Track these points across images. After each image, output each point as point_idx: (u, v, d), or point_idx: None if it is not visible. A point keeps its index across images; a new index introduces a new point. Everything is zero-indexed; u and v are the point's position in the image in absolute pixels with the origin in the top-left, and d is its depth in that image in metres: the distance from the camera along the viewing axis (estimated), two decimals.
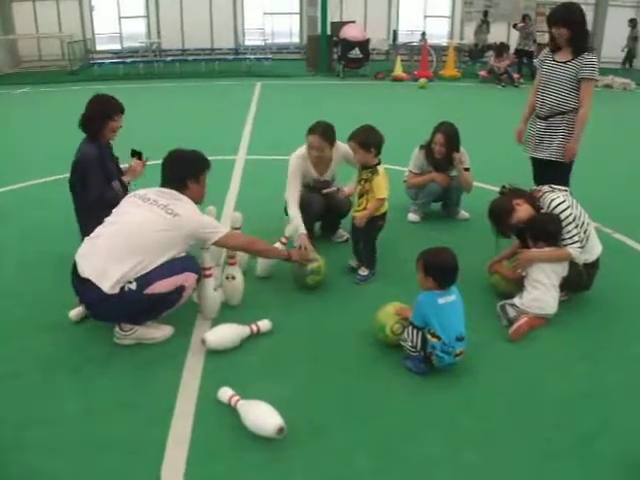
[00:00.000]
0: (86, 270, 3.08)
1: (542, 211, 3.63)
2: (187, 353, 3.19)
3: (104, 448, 2.51)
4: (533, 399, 2.87)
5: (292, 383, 2.96)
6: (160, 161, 3.48)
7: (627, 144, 8.72)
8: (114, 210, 3.36)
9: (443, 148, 4.92)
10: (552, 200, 3.59)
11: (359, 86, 15.11)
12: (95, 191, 3.90)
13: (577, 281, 3.66)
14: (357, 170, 3.97)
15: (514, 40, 16.90)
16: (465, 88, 14.87)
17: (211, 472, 2.40)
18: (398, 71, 15.97)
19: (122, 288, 3.03)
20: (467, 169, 5.03)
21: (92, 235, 3.27)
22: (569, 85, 4.30)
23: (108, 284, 3.00)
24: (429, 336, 2.94)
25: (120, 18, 20.73)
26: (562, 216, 3.53)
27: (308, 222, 4.48)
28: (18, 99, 13.43)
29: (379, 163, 3.84)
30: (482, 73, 15.94)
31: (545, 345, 3.32)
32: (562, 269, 3.56)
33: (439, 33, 21.62)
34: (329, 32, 17.16)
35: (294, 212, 4.19)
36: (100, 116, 3.95)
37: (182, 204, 3.28)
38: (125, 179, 4.11)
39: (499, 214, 3.70)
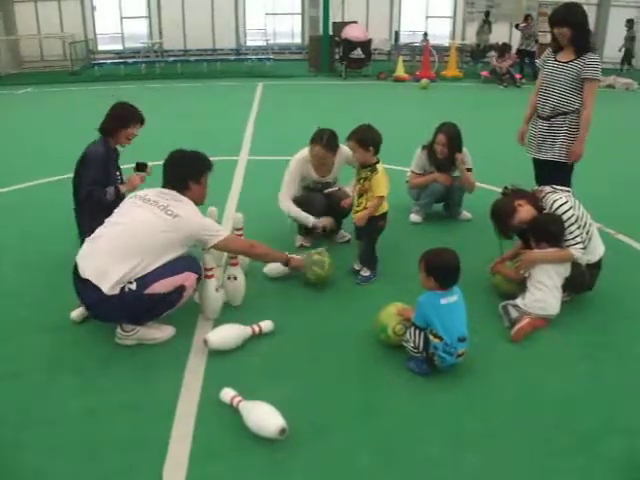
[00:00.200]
0: (86, 271, 3.08)
1: (544, 212, 3.63)
2: (189, 354, 3.18)
3: (106, 448, 2.51)
4: (534, 399, 2.87)
5: (294, 384, 2.96)
6: (161, 162, 3.48)
7: (629, 144, 8.70)
8: (115, 211, 3.37)
9: (445, 148, 4.91)
10: (554, 201, 3.59)
11: (361, 86, 15.10)
12: (85, 188, 4.01)
13: (579, 282, 3.65)
14: (357, 170, 3.97)
15: (516, 40, 16.89)
16: (467, 88, 14.87)
17: (213, 472, 2.40)
18: (400, 71, 15.97)
19: (122, 289, 3.02)
20: (469, 169, 5.02)
21: (93, 236, 3.27)
22: (571, 85, 4.29)
23: (108, 285, 3.00)
24: (431, 336, 2.93)
25: (122, 18, 20.77)
26: (564, 217, 3.53)
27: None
28: (20, 99, 13.44)
29: (378, 162, 3.84)
30: (484, 73, 15.93)
31: (547, 346, 3.32)
32: (564, 270, 3.55)
33: (441, 33, 21.59)
34: (331, 32, 17.14)
35: (289, 205, 4.25)
36: (120, 118, 4.11)
37: (182, 205, 3.28)
38: (122, 188, 4.12)
39: (501, 215, 3.70)
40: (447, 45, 18.78)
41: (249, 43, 21.69)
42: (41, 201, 5.73)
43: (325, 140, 4.22)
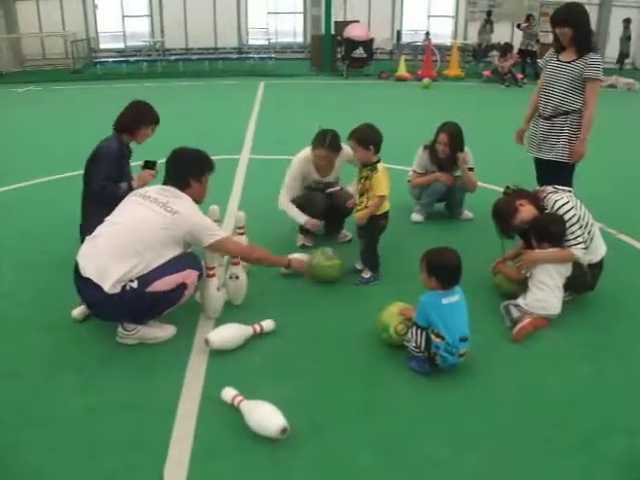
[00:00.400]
0: (87, 270, 3.08)
1: (546, 212, 3.62)
2: (190, 353, 3.18)
3: (106, 448, 2.51)
4: (535, 399, 2.86)
5: (295, 383, 2.96)
6: (164, 160, 3.49)
7: (631, 144, 8.70)
8: (115, 209, 3.36)
9: (447, 148, 4.91)
10: (556, 201, 3.58)
11: (363, 86, 15.10)
12: (98, 183, 4.03)
13: (581, 282, 3.65)
14: (358, 169, 3.97)
15: (518, 40, 16.88)
16: (469, 88, 14.87)
17: (214, 472, 2.40)
18: (402, 71, 15.97)
19: (123, 287, 3.02)
20: (471, 169, 5.02)
21: (93, 234, 3.27)
22: (573, 85, 4.29)
23: (109, 283, 3.00)
24: (433, 336, 2.93)
25: (123, 17, 20.77)
26: (566, 217, 3.52)
27: None
28: (21, 98, 13.46)
29: (379, 161, 3.83)
30: (486, 73, 15.93)
31: (548, 345, 3.31)
32: (566, 270, 3.55)
33: (443, 33, 21.56)
34: (333, 31, 17.14)
35: (287, 204, 4.32)
36: (139, 117, 4.17)
37: (182, 202, 3.28)
38: (134, 184, 4.14)
39: (502, 214, 3.70)
40: (449, 44, 18.78)
41: (251, 42, 21.67)
42: (41, 200, 5.73)
43: (328, 142, 4.21)
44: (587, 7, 4.38)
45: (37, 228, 4.97)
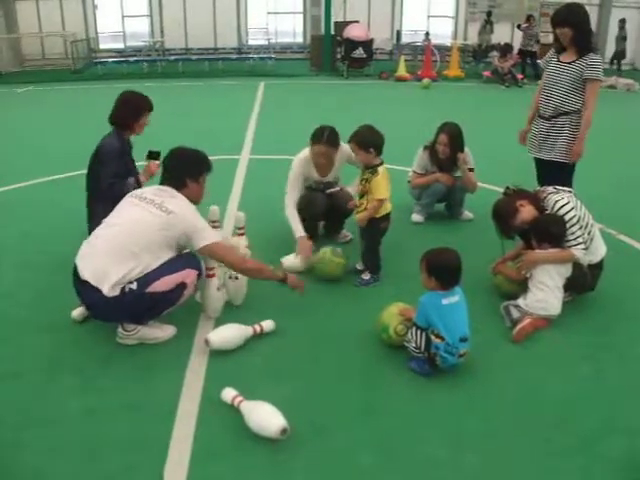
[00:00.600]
0: (85, 273, 3.08)
1: (546, 212, 3.62)
2: (190, 353, 3.18)
3: (106, 448, 2.51)
4: (535, 399, 2.86)
5: (295, 383, 2.95)
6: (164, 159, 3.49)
7: (631, 145, 8.70)
8: (113, 211, 3.35)
9: (447, 148, 4.91)
10: (556, 201, 3.58)
11: (363, 86, 15.10)
12: (106, 181, 4.04)
13: (581, 282, 3.65)
14: (360, 170, 3.97)
15: (518, 41, 16.89)
16: (469, 88, 14.87)
17: (214, 472, 2.39)
18: (402, 71, 15.97)
19: (122, 289, 3.02)
20: (471, 169, 5.02)
21: (90, 237, 3.27)
22: (573, 85, 4.29)
23: (108, 286, 3.00)
24: (433, 337, 2.93)
25: (123, 17, 20.80)
26: (566, 217, 3.52)
27: (312, 222, 4.50)
28: (21, 98, 13.46)
29: (381, 163, 3.82)
30: (486, 73, 15.95)
31: (548, 346, 3.31)
32: (566, 270, 3.55)
33: (443, 33, 21.59)
34: (333, 32, 17.15)
35: (291, 213, 4.25)
36: (132, 110, 4.14)
37: (177, 202, 3.24)
38: (142, 178, 4.17)
39: (502, 215, 3.70)
40: (449, 45, 18.78)
41: (251, 42, 21.68)
42: (41, 200, 5.72)
43: (326, 137, 4.19)
44: (587, 8, 4.37)
45: (37, 228, 4.97)
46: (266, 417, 2.54)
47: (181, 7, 20.41)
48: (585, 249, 3.57)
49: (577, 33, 4.22)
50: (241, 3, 21.20)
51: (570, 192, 3.75)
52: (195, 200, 3.41)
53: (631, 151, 8.26)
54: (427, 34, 18.96)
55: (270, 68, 17.53)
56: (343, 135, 4.18)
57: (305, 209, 4.38)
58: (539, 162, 4.66)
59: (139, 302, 3.06)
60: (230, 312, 3.55)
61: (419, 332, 2.96)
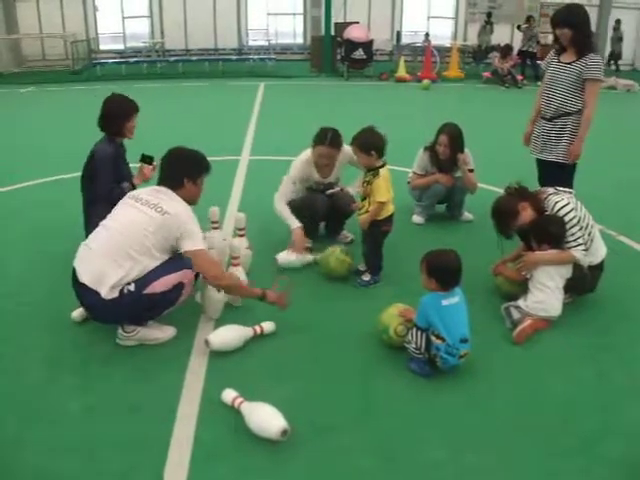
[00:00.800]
0: (83, 276, 3.08)
1: (546, 213, 3.62)
2: (190, 354, 3.18)
3: (106, 449, 2.51)
4: (536, 401, 2.86)
5: (295, 384, 2.95)
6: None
7: (631, 146, 8.69)
8: (109, 214, 3.33)
9: (447, 149, 4.91)
10: (556, 203, 3.58)
11: (363, 87, 15.10)
12: (104, 187, 4.01)
13: (581, 283, 3.65)
14: (363, 172, 3.97)
15: (518, 41, 16.89)
16: (468, 89, 14.87)
17: (214, 473, 2.39)
18: (402, 72, 15.97)
19: (121, 291, 3.02)
20: (471, 170, 5.02)
21: (88, 240, 3.27)
22: (573, 86, 4.29)
23: (106, 289, 3.00)
24: (433, 338, 2.93)
25: (123, 18, 20.81)
26: (566, 218, 3.52)
27: (312, 222, 4.50)
28: (21, 98, 13.45)
29: (383, 165, 3.82)
30: (486, 74, 15.94)
31: (549, 347, 3.31)
32: (566, 271, 3.54)
33: (443, 34, 21.60)
34: (333, 33, 17.14)
35: (282, 207, 4.30)
36: (119, 115, 4.10)
37: (174, 203, 3.22)
38: (135, 181, 4.14)
39: (503, 214, 3.68)
40: (449, 46, 18.78)
41: (251, 43, 21.70)
42: (41, 201, 5.72)
43: (329, 139, 4.20)
44: (587, 8, 4.37)
45: (38, 228, 4.97)
46: (266, 418, 2.54)
47: (181, 8, 20.41)
48: (585, 250, 3.57)
49: (577, 34, 4.22)
50: (241, 4, 21.22)
51: (570, 193, 3.75)
52: (191, 201, 3.38)
53: (631, 152, 8.26)
54: (427, 35, 18.97)
55: (270, 69, 17.51)
56: (345, 137, 4.18)
57: (306, 210, 4.38)
58: (541, 162, 4.66)
59: (138, 303, 3.06)
60: (230, 313, 3.55)
61: (419, 333, 2.96)
